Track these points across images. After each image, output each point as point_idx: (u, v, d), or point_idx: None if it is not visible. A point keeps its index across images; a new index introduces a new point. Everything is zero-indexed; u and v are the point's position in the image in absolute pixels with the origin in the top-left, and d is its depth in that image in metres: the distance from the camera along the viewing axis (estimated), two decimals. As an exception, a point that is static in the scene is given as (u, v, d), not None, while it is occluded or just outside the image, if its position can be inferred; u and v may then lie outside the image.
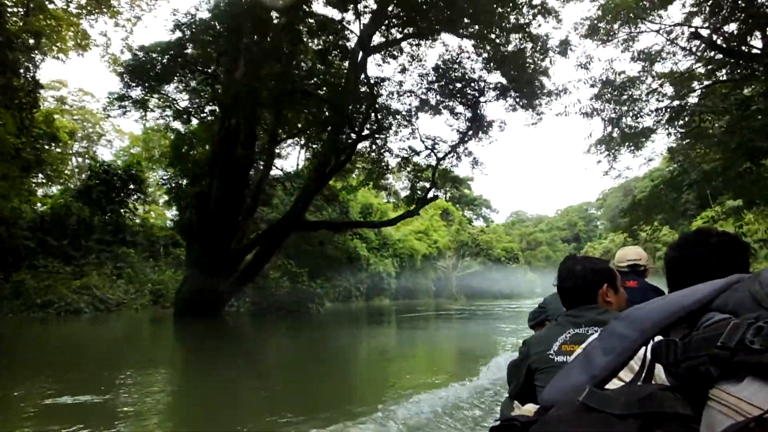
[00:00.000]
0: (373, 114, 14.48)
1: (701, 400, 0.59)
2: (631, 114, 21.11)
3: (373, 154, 19.43)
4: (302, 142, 19.46)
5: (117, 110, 20.05)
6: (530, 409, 1.40)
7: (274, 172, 22.58)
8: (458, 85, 17.61)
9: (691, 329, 0.66)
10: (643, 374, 0.71)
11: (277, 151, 21.32)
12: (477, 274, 48.23)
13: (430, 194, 18.42)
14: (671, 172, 20.06)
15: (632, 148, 21.51)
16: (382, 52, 17.27)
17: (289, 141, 21.28)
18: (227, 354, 9.76)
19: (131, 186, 24.89)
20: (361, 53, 16.16)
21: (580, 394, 0.67)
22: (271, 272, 19.82)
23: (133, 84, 16.83)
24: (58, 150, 33.14)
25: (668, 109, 20.47)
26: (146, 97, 17.75)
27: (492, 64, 17.66)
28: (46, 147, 29.87)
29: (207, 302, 14.63)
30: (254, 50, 13.99)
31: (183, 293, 15.40)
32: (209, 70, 15.01)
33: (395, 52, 18.15)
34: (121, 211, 24.50)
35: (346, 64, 16.38)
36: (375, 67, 23.76)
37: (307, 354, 10.45)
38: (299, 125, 17.03)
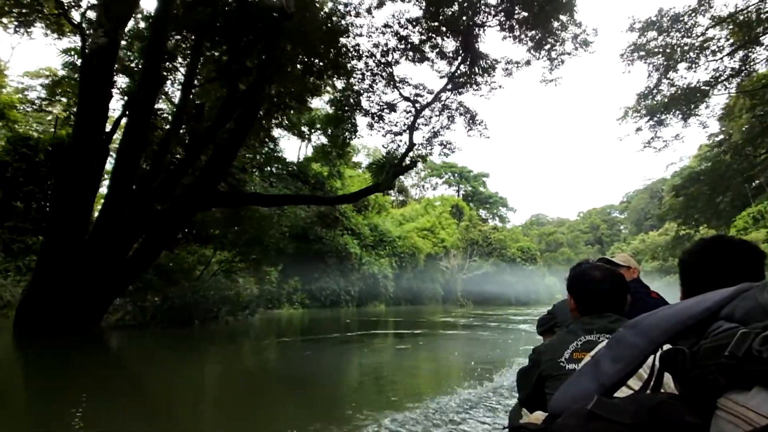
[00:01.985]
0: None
1: (710, 410, 0.58)
2: (683, 64, 16.15)
3: (340, 112, 14.66)
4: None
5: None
6: (539, 416, 1.29)
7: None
8: (450, 10, 12.61)
9: (699, 338, 0.64)
10: (652, 382, 0.71)
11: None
12: (488, 277, 42.61)
13: (407, 160, 13.49)
14: (747, 131, 14.81)
15: (684, 110, 16.35)
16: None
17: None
18: None
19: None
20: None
21: (589, 403, 0.65)
22: (200, 267, 15.16)
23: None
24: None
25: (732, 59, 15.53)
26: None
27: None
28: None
29: (64, 311, 9.76)
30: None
31: (26, 298, 10.51)
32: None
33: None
34: (48, 193, 20.28)
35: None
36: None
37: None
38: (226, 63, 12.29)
